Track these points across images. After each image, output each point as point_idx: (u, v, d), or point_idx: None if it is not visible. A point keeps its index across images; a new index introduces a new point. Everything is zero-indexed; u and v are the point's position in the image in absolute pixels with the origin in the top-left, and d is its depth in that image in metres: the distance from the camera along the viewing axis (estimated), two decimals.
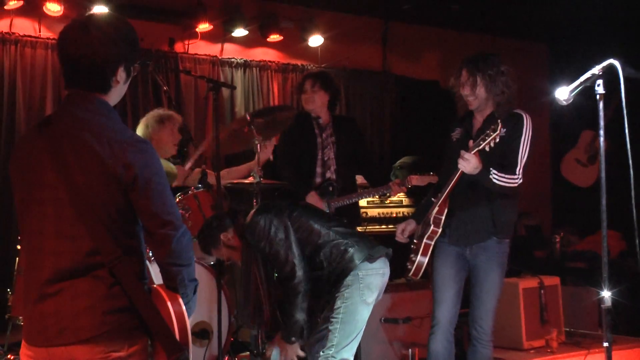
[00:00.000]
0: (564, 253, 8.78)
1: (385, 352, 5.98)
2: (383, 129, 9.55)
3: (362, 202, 7.47)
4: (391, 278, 4.99)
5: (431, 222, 5.03)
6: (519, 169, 4.90)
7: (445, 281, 5.11)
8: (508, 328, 6.39)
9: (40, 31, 7.47)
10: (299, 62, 8.95)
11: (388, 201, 7.70)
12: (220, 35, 8.40)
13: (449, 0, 8.67)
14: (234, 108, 8.53)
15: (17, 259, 5.80)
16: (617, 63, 3.93)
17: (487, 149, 4.77)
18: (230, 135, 5.93)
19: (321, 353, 4.68)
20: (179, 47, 8.19)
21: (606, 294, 3.93)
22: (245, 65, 8.63)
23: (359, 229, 6.88)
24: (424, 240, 5.06)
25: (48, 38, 7.43)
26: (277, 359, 4.86)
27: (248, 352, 5.96)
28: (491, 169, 4.79)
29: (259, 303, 5.92)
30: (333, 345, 4.67)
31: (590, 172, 8.94)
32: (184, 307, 2.94)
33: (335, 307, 4.72)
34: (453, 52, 9.54)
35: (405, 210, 7.83)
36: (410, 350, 5.90)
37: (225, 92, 8.32)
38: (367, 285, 4.75)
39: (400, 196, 7.71)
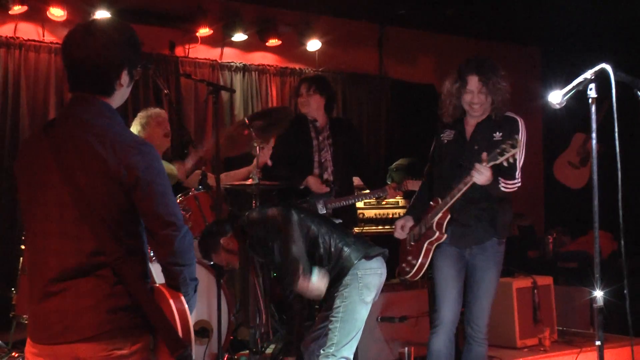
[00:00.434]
0: (556, 253, 8.79)
1: (381, 350, 5.98)
2: (379, 131, 9.55)
3: (359, 204, 7.48)
4: (387, 278, 5.00)
5: (435, 227, 5.00)
6: (518, 172, 4.91)
7: (448, 282, 5.09)
8: (502, 327, 6.39)
9: (44, 36, 7.47)
10: (297, 66, 8.96)
11: (384, 202, 7.70)
12: (220, 39, 8.40)
13: (444, 5, 8.67)
14: (234, 111, 8.53)
15: (21, 258, 5.81)
16: (608, 67, 3.94)
17: (505, 164, 4.74)
18: (230, 139, 5.94)
19: (321, 351, 4.68)
20: (179, 51, 8.19)
21: (598, 294, 3.94)
22: (245, 69, 8.64)
23: (355, 229, 6.90)
24: (426, 244, 5.04)
25: (51, 42, 7.43)
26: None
27: (247, 351, 5.97)
28: (499, 178, 4.80)
29: (257, 304, 5.94)
30: (333, 343, 4.67)
31: (582, 174, 8.95)
32: (186, 305, 2.95)
33: (334, 306, 4.72)
34: (448, 56, 9.57)
35: (401, 211, 7.83)
36: (406, 348, 5.90)
37: (225, 95, 8.32)
38: (366, 284, 4.75)
39: (396, 197, 7.71)
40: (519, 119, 5.06)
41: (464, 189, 4.84)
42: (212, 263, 5.57)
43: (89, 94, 3.00)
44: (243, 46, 8.60)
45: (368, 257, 4.79)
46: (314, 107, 6.30)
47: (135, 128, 6.32)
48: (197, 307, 3.15)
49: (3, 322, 6.04)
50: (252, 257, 5.10)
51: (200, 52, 8.35)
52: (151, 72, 7.19)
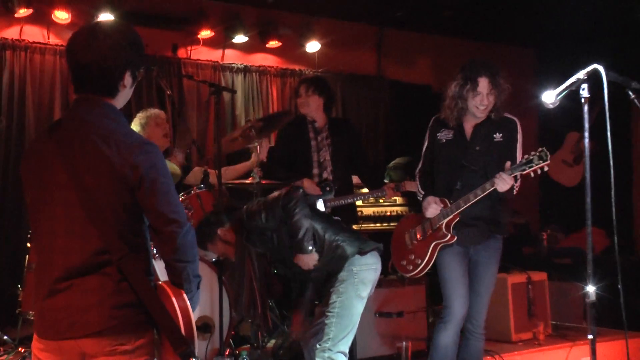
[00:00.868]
0: (550, 250, 8.80)
1: (379, 345, 5.99)
2: (378, 131, 9.55)
3: (358, 202, 7.49)
4: (385, 274, 5.00)
5: (444, 229, 4.98)
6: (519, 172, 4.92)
7: (459, 278, 5.07)
8: (497, 321, 6.40)
9: (49, 38, 7.47)
10: (297, 67, 8.96)
11: (382, 200, 7.70)
12: (221, 41, 8.40)
13: (441, 7, 8.67)
14: (235, 111, 8.53)
15: (27, 256, 5.82)
16: (601, 68, 3.95)
17: (532, 174, 4.71)
18: (233, 139, 5.96)
19: (318, 346, 4.68)
20: (181, 53, 8.20)
21: (591, 289, 3.95)
22: (246, 70, 8.64)
23: (355, 227, 6.90)
24: (433, 244, 5.01)
25: (56, 44, 7.43)
26: None
27: (248, 345, 5.98)
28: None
29: (253, 297, 5.94)
30: (330, 338, 4.67)
31: (575, 172, 8.96)
32: (188, 303, 2.96)
33: (330, 301, 4.72)
34: (445, 58, 9.58)
35: (399, 209, 7.84)
36: (404, 343, 5.90)
37: (226, 96, 8.32)
38: (362, 280, 4.76)
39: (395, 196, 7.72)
40: (516, 120, 5.07)
41: (482, 195, 4.84)
42: (214, 260, 5.58)
43: (93, 95, 3.01)
44: (244, 48, 8.60)
45: (363, 253, 4.80)
46: (313, 107, 6.30)
47: (135, 128, 6.32)
48: (200, 303, 3.15)
49: (10, 318, 6.05)
50: (249, 251, 5.09)
51: (202, 54, 8.36)
52: (154, 73, 7.19)
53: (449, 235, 4.98)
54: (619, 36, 8.68)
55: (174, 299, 2.92)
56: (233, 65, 8.56)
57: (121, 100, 3.08)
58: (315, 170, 6.27)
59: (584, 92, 3.98)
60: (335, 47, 8.99)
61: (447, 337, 5.09)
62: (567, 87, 4.07)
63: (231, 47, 8.53)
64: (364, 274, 4.78)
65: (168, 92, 6.86)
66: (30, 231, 5.55)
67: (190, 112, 8.23)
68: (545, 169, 4.72)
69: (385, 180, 7.11)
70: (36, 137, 3.42)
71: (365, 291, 4.79)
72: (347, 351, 4.75)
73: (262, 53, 8.78)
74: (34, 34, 7.42)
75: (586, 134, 4.00)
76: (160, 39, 7.89)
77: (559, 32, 8.83)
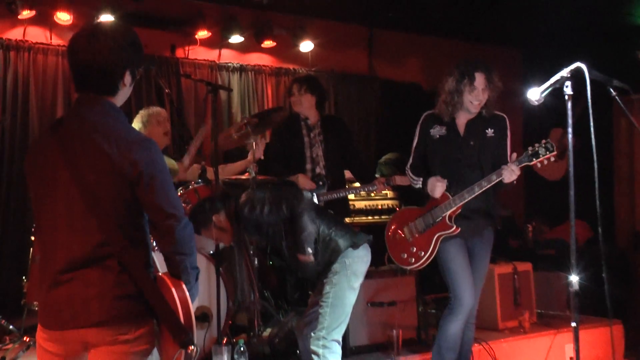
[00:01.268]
0: (535, 241, 8.82)
1: (371, 333, 5.99)
2: (369, 127, 9.56)
3: (350, 196, 7.48)
4: (376, 265, 4.99)
5: (447, 220, 4.98)
6: None
7: (465, 269, 5.05)
8: (484, 310, 6.41)
9: (51, 39, 7.46)
10: (291, 67, 8.96)
11: (374, 194, 7.70)
12: (218, 41, 8.39)
13: (430, 9, 8.67)
14: (231, 109, 8.53)
15: (32, 249, 5.81)
16: (584, 66, 3.95)
17: (539, 165, 4.75)
18: (229, 137, 5.95)
19: (312, 334, 4.68)
20: (179, 52, 8.19)
21: (574, 279, 3.97)
22: (241, 69, 8.63)
23: (347, 220, 6.90)
24: (437, 236, 5.00)
25: (59, 45, 7.42)
26: None
27: (245, 334, 5.98)
28: None
29: (250, 285, 5.94)
30: (324, 327, 4.67)
31: (559, 166, 8.95)
32: (187, 293, 2.96)
33: (324, 292, 4.72)
34: (434, 57, 9.61)
35: (389, 202, 7.84)
36: (394, 331, 5.90)
37: (223, 94, 8.32)
38: (354, 272, 4.76)
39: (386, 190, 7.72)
40: (505, 116, 5.09)
41: (487, 186, 4.85)
42: (211, 252, 5.57)
43: (94, 94, 3.01)
44: (240, 48, 8.60)
45: (355, 246, 4.80)
46: (305, 105, 6.30)
47: (136, 125, 6.31)
48: (198, 293, 3.15)
49: (15, 309, 6.04)
50: (245, 241, 5.09)
51: (199, 54, 8.35)
52: (153, 72, 7.19)
53: (454, 227, 4.97)
54: (601, 36, 8.68)
55: (173, 290, 2.92)
56: (229, 64, 8.56)
57: (121, 98, 3.08)
58: (309, 166, 6.27)
59: (568, 90, 3.99)
60: (328, 47, 8.99)
61: (456, 327, 5.07)
62: (551, 85, 4.08)
63: (227, 47, 8.52)
64: (356, 266, 4.78)
65: (167, 91, 6.85)
66: (34, 225, 5.55)
67: (188, 110, 8.23)
68: (552, 159, 4.71)
69: (377, 175, 7.10)
70: (39, 135, 3.42)
71: (357, 282, 4.79)
72: (340, 339, 4.75)
73: (258, 53, 8.77)
74: (36, 35, 7.41)
75: (570, 130, 4.01)
76: (159, 40, 7.89)
77: (544, 33, 8.84)
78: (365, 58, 9.57)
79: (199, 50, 8.33)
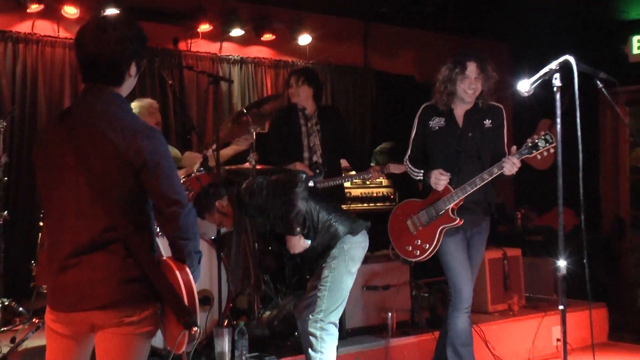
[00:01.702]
0: (524, 228, 8.83)
1: (366, 316, 6.00)
2: (364, 118, 9.55)
3: (346, 183, 7.49)
4: (372, 250, 4.99)
5: (450, 213, 4.93)
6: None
7: (463, 264, 5.03)
8: (475, 294, 6.32)
9: (59, 32, 7.43)
10: (289, 59, 8.94)
11: (369, 182, 7.70)
12: (219, 35, 8.37)
13: (424, 3, 8.65)
14: (232, 100, 8.52)
15: (40, 234, 5.82)
16: (572, 59, 3.95)
17: (538, 157, 4.73)
18: (232, 128, 5.96)
19: (310, 317, 4.69)
20: (182, 45, 8.17)
21: (561, 263, 3.98)
22: (242, 61, 8.61)
23: (343, 207, 6.90)
24: (440, 228, 4.96)
25: (66, 38, 7.40)
26: None
27: (245, 317, 5.99)
28: None
29: (247, 269, 5.95)
30: (322, 310, 4.68)
31: (547, 156, 8.95)
32: (191, 276, 2.96)
33: (322, 276, 4.72)
34: (427, 50, 9.60)
35: (384, 190, 7.85)
36: (389, 314, 5.92)
37: (224, 85, 8.30)
38: (352, 257, 4.76)
39: (380, 178, 7.72)
40: (502, 107, 5.05)
41: (489, 179, 4.82)
42: (212, 237, 5.57)
43: (101, 85, 3.00)
44: (240, 41, 8.57)
45: (354, 232, 4.80)
46: (303, 97, 6.28)
47: None
48: (200, 277, 3.15)
49: (25, 291, 6.05)
50: (245, 225, 5.08)
51: (201, 47, 8.33)
52: (157, 64, 7.17)
53: (457, 219, 4.93)
54: (588, 31, 8.68)
55: (177, 273, 2.92)
56: (230, 57, 8.54)
57: (126, 88, 3.08)
58: (306, 154, 6.26)
59: (556, 82, 3.99)
60: (325, 40, 8.97)
61: (463, 321, 5.06)
62: (540, 77, 4.08)
63: (228, 40, 8.50)
64: (354, 251, 4.78)
65: (170, 82, 6.82)
66: (42, 211, 5.54)
67: (190, 100, 8.22)
68: (551, 150, 4.68)
69: (372, 164, 7.09)
70: (47, 124, 3.42)
71: (355, 267, 4.80)
72: (337, 322, 4.76)
73: (257, 46, 8.75)
74: (45, 28, 7.38)
75: (558, 121, 4.01)
76: (163, 33, 7.86)
77: (533, 27, 8.82)
78: (361, 51, 9.55)
79: (201, 43, 8.31)
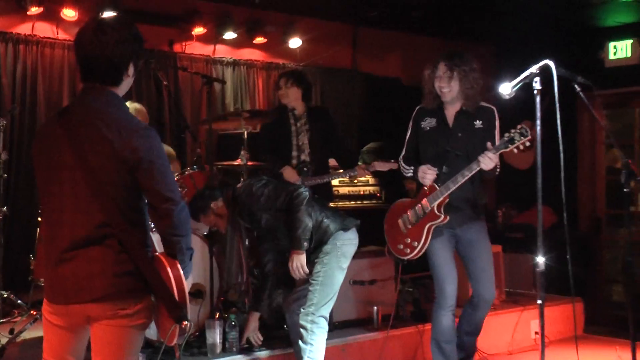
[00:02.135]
0: (505, 225, 8.85)
1: (353, 309, 6.00)
2: (352, 118, 9.55)
3: (334, 182, 7.48)
4: (359, 246, 4.98)
5: (436, 210, 4.90)
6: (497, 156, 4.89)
7: (448, 262, 5.01)
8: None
9: (58, 34, 7.41)
10: (280, 61, 8.94)
11: (356, 181, 7.69)
12: (213, 37, 8.36)
13: (410, 8, 8.65)
14: (225, 100, 8.51)
15: (39, 229, 5.80)
16: (551, 63, 3.97)
17: (515, 151, 4.68)
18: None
19: (302, 310, 4.69)
20: (177, 47, 8.15)
21: (540, 260, 3.99)
22: (235, 63, 8.61)
23: (331, 204, 6.90)
24: (427, 226, 4.93)
25: (65, 40, 7.38)
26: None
27: (235, 309, 5.98)
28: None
29: (240, 267, 5.95)
30: (313, 304, 4.68)
31: (527, 156, 8.97)
32: (182, 272, 2.96)
33: (315, 271, 4.73)
34: (413, 53, 9.60)
35: (371, 189, 7.84)
36: (375, 307, 5.94)
37: (217, 86, 8.30)
38: (344, 253, 4.77)
39: (367, 176, 7.72)
40: (493, 108, 4.99)
41: (469, 175, 4.77)
42: (205, 234, 5.57)
43: (99, 84, 2.99)
44: (233, 43, 8.57)
45: (346, 229, 4.80)
46: (292, 98, 6.27)
47: None
48: (193, 272, 3.15)
49: (23, 285, 6.03)
50: (239, 224, 5.08)
51: (195, 49, 8.32)
52: (153, 66, 7.15)
53: (442, 216, 4.91)
54: (568, 37, 8.70)
55: (168, 269, 2.92)
56: (223, 59, 8.53)
57: (124, 88, 3.07)
58: (295, 153, 6.24)
59: (536, 85, 4.01)
60: (315, 43, 8.97)
61: (447, 319, 5.04)
62: (521, 80, 4.09)
63: (222, 42, 8.49)
64: (345, 248, 4.79)
65: (165, 83, 6.82)
66: (40, 207, 5.53)
67: (184, 100, 8.21)
68: (527, 144, 4.64)
69: (360, 163, 7.09)
70: (46, 121, 3.40)
71: (346, 263, 4.81)
72: (327, 316, 4.76)
73: (250, 48, 8.75)
74: (44, 30, 7.36)
75: (538, 122, 4.02)
76: (158, 35, 7.85)
77: (515, 33, 8.83)
78: (350, 54, 9.55)
79: (195, 45, 8.30)
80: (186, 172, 5.92)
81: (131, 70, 3.04)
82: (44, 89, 7.28)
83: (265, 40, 8.63)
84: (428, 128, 5.09)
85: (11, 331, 5.36)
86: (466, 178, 4.79)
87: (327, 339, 4.83)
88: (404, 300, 6.28)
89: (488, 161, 4.67)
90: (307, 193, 4.64)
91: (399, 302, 6.24)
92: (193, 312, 5.32)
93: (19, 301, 5.86)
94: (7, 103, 6.97)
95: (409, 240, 5.03)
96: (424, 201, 4.95)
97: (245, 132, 5.92)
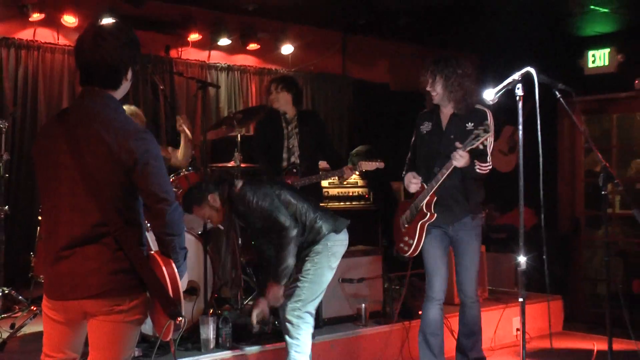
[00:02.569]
0: (488, 226, 8.83)
1: (342, 306, 6.00)
2: (342, 122, 9.54)
3: (324, 183, 7.47)
4: (348, 245, 4.98)
5: (425, 209, 4.93)
6: (489, 157, 4.88)
7: (437, 259, 5.03)
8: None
9: (58, 39, 7.39)
10: (273, 67, 8.93)
11: (346, 182, 7.69)
12: (208, 43, 8.35)
13: (398, 16, 8.66)
14: (219, 104, 8.51)
15: (39, 228, 5.78)
16: (533, 71, 3.97)
17: (480, 147, 4.70)
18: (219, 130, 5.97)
19: (289, 304, 4.68)
20: (173, 53, 8.13)
21: (522, 259, 3.99)
22: (229, 69, 8.60)
23: (321, 205, 6.89)
24: (419, 225, 4.96)
25: (65, 45, 7.36)
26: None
27: (228, 306, 5.98)
28: (475, 161, 4.77)
29: (235, 264, 5.93)
30: (301, 300, 4.67)
31: (510, 160, 9.02)
32: (176, 270, 2.95)
33: (305, 269, 4.72)
34: (401, 60, 9.62)
35: (359, 190, 7.84)
36: (363, 305, 5.93)
37: (212, 91, 8.30)
38: (334, 253, 4.77)
39: (356, 178, 7.72)
40: (487, 110, 4.97)
41: (447, 173, 4.77)
42: (199, 233, 5.55)
43: (97, 88, 2.99)
44: (227, 49, 8.56)
45: (337, 230, 4.80)
46: (282, 102, 6.26)
47: None
48: (187, 270, 3.14)
49: (24, 281, 6.02)
50: (234, 222, 5.06)
51: (191, 54, 8.31)
52: (149, 70, 7.13)
53: (429, 214, 4.93)
54: (549, 45, 8.72)
55: (163, 267, 2.92)
56: (218, 64, 8.52)
57: (121, 92, 3.07)
58: (285, 155, 6.23)
59: (519, 91, 4.01)
60: (306, 50, 8.97)
61: (435, 312, 5.07)
62: (504, 87, 4.09)
63: (216, 48, 8.48)
64: (336, 248, 4.79)
65: (161, 87, 6.80)
66: (40, 206, 5.51)
67: (180, 104, 8.20)
68: (490, 140, 4.69)
69: (349, 165, 7.09)
70: (46, 123, 3.39)
71: (336, 263, 4.80)
72: (313, 312, 4.75)
73: (243, 54, 8.74)
74: (45, 35, 7.34)
75: (520, 127, 4.02)
76: (155, 41, 7.82)
77: (499, 41, 8.84)
78: (340, 60, 9.55)
79: (191, 51, 8.29)
80: (181, 173, 5.91)
81: (129, 74, 3.04)
82: (45, 92, 7.26)
83: (258, 46, 8.62)
84: (425, 131, 5.13)
85: (12, 326, 5.35)
86: (445, 176, 4.80)
87: (316, 335, 4.83)
88: (391, 298, 6.27)
89: (459, 158, 4.69)
90: (296, 232, 4.59)
91: (386, 300, 6.23)
92: (187, 308, 5.31)
93: (20, 297, 5.86)
94: (9, 106, 6.96)
95: (406, 239, 5.07)
96: (416, 201, 5.00)
97: (239, 135, 5.91)
